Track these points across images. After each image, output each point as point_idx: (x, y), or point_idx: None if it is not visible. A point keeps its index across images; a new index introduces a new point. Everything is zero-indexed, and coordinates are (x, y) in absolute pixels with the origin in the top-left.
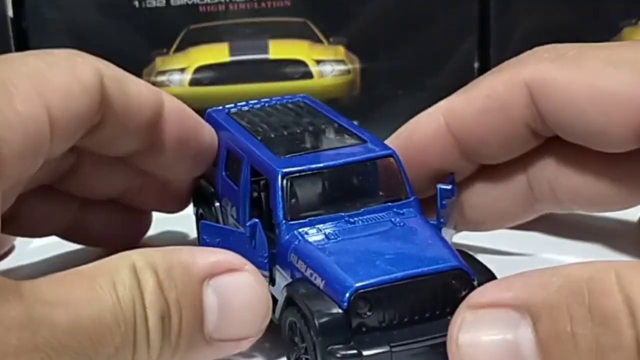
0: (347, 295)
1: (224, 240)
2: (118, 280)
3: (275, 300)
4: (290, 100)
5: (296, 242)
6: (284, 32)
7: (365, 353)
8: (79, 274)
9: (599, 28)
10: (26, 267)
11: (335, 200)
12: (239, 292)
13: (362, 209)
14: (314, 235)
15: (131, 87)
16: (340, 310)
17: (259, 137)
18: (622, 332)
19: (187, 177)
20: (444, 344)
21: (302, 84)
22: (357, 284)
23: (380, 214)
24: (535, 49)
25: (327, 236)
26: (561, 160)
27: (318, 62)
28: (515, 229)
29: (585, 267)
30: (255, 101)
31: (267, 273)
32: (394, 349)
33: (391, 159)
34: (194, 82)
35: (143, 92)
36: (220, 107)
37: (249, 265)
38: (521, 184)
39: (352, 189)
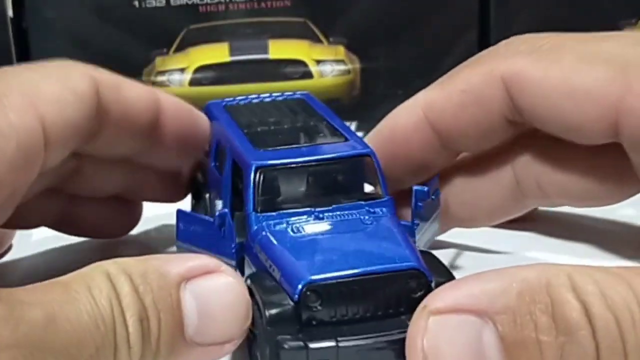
0: (299, 287)
1: (198, 229)
2: (93, 286)
3: None
4: (290, 97)
5: (262, 234)
6: (284, 32)
7: (311, 345)
8: (53, 283)
9: (599, 28)
10: (25, 260)
11: (309, 196)
12: (216, 294)
13: (333, 206)
14: (279, 228)
15: (127, 92)
16: (291, 303)
17: (246, 130)
18: (583, 343)
19: (187, 168)
20: (393, 341)
21: (302, 84)
22: (310, 277)
23: (351, 212)
24: (512, 38)
25: (292, 230)
26: (547, 154)
27: (318, 62)
28: (508, 228)
29: (539, 271)
30: (254, 96)
31: (233, 262)
32: (340, 344)
33: (368, 158)
34: (194, 82)
35: (139, 95)
36: (220, 100)
37: (225, 267)
38: (508, 179)
39: (327, 186)
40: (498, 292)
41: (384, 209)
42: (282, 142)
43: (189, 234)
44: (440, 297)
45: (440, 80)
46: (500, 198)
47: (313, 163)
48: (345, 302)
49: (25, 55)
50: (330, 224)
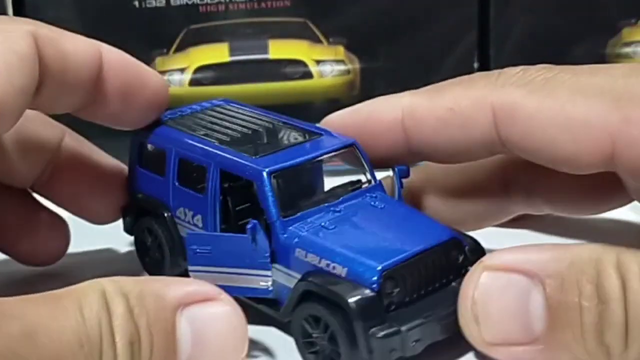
0: (376, 277)
1: (216, 247)
2: (85, 304)
3: (271, 302)
4: (215, 105)
5: (297, 238)
6: (284, 32)
7: (402, 328)
8: (45, 296)
9: (598, 28)
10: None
11: (311, 193)
12: (213, 322)
13: (341, 198)
14: (311, 228)
15: (67, 45)
16: (372, 293)
17: (217, 142)
18: (616, 311)
19: (136, 126)
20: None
21: (301, 84)
22: (382, 265)
23: (358, 200)
24: (506, 69)
25: (325, 227)
26: (534, 165)
27: (318, 62)
28: (507, 226)
29: (592, 248)
30: (178, 109)
31: (269, 273)
32: (425, 320)
33: (353, 148)
34: (194, 82)
35: (80, 48)
36: None
37: (225, 295)
38: (495, 186)
39: (321, 182)
40: (551, 259)
41: (380, 192)
42: (269, 147)
43: (205, 257)
44: (497, 257)
45: (428, 89)
46: (487, 202)
47: (314, 160)
48: (412, 281)
49: None
50: (351, 215)
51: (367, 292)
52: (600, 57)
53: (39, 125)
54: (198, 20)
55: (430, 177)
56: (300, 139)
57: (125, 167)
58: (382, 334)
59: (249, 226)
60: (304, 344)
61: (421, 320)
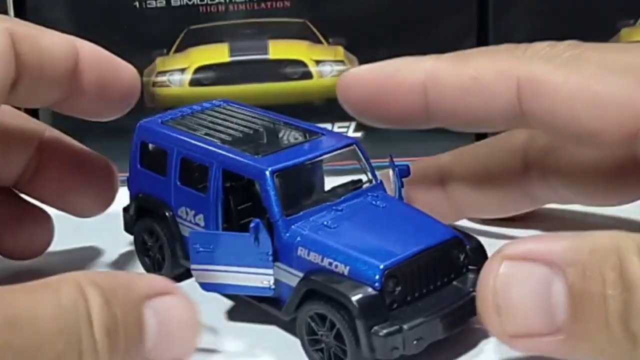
0: (378, 276)
1: (218, 246)
2: (62, 294)
3: (273, 301)
4: (215, 105)
5: (299, 237)
6: (284, 32)
7: (405, 327)
8: (24, 287)
9: (597, 29)
10: None
11: (312, 193)
12: (175, 313)
13: (342, 197)
14: (314, 227)
15: (43, 41)
16: (374, 292)
17: (219, 142)
18: None
19: (111, 117)
20: (459, 307)
21: (301, 84)
22: (384, 264)
23: (360, 199)
24: (534, 44)
25: (327, 226)
26: (557, 149)
27: (317, 62)
28: (512, 226)
29: (611, 236)
30: (178, 110)
31: (271, 271)
32: (426, 319)
33: (354, 147)
34: (194, 82)
35: (56, 44)
36: (151, 118)
37: (180, 289)
38: (518, 170)
39: (322, 181)
40: (571, 248)
41: (381, 192)
42: (271, 146)
43: (207, 255)
44: (516, 246)
45: (452, 55)
46: (510, 189)
47: (316, 160)
48: (414, 280)
49: None
50: (353, 214)
51: (370, 290)
52: None
53: (19, 122)
54: (198, 21)
55: (458, 159)
56: (301, 138)
57: (108, 161)
58: (384, 332)
59: (251, 225)
60: (309, 341)
61: (423, 319)
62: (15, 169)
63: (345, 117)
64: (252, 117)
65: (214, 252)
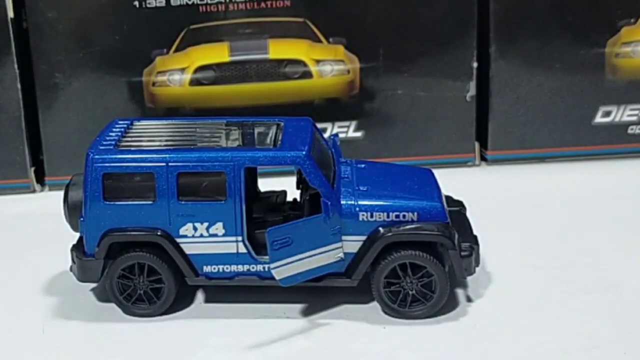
0: (445, 213)
1: (293, 235)
2: None
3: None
4: (130, 123)
5: (354, 204)
6: (284, 32)
7: (475, 247)
8: None
9: (598, 28)
10: None
11: (327, 168)
12: None
13: (336, 168)
14: (355, 193)
15: None
16: (450, 225)
17: (217, 147)
18: None
19: None
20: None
21: (301, 83)
22: (439, 202)
23: (347, 167)
24: None
25: (363, 190)
26: None
27: (318, 62)
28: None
29: None
30: (103, 136)
31: (340, 244)
32: (474, 245)
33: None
34: (194, 82)
35: None
36: (95, 148)
37: None
38: None
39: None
40: None
41: (347, 159)
42: (271, 141)
43: (285, 249)
44: None
45: None
46: None
47: (317, 133)
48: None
49: (25, 55)
50: (364, 177)
51: (446, 225)
52: (600, 57)
53: None
54: (198, 20)
55: None
56: (276, 127)
57: None
58: (467, 253)
59: (323, 205)
60: (384, 295)
61: (473, 242)
62: None
63: (345, 116)
64: (190, 125)
65: (292, 243)
